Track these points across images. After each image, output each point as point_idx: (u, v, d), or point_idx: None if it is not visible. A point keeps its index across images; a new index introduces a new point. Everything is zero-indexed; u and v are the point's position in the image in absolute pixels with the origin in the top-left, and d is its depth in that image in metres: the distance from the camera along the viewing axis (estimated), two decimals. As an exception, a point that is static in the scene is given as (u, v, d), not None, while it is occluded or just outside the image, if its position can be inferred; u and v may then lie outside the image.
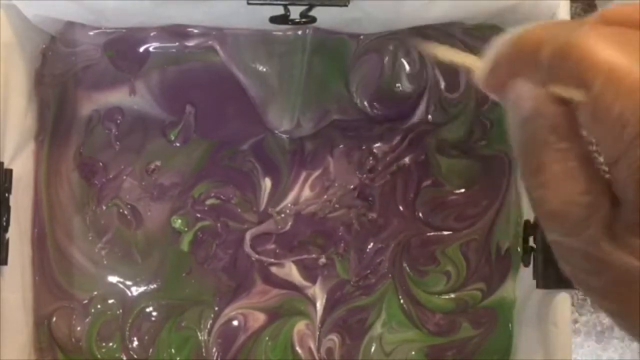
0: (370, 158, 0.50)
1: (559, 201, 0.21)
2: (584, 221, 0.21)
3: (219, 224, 0.50)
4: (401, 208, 0.50)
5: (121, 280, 0.49)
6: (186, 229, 0.50)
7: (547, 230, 0.22)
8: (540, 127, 0.21)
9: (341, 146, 0.51)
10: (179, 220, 0.50)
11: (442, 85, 0.50)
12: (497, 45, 0.23)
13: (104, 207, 0.49)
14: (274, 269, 0.50)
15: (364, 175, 0.50)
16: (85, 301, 0.49)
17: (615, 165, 0.20)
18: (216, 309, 0.49)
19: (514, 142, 0.22)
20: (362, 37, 0.50)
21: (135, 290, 0.49)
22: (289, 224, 0.50)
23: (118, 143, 0.50)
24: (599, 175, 0.21)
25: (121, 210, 0.49)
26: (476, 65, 0.27)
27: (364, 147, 0.50)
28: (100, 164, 0.50)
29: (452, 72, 0.50)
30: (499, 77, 0.23)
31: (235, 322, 0.49)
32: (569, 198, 0.21)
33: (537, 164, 0.21)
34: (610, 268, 0.21)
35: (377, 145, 0.51)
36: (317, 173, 0.50)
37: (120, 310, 0.49)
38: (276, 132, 0.50)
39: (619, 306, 0.21)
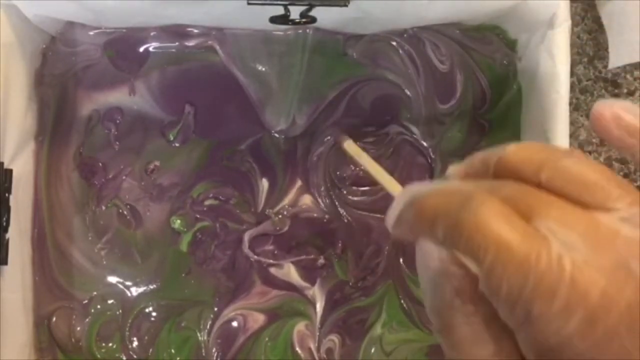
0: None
1: None
2: None
3: (217, 225, 0.50)
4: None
5: (121, 280, 0.49)
6: (185, 230, 0.50)
7: None
8: (446, 289, 0.21)
9: (333, 147, 0.51)
10: (178, 221, 0.50)
11: (436, 98, 0.50)
12: (400, 202, 0.23)
13: (104, 208, 0.49)
14: (273, 270, 0.50)
15: (356, 171, 0.50)
16: (85, 301, 0.49)
17: (515, 332, 0.20)
18: (215, 309, 0.49)
19: (424, 298, 0.23)
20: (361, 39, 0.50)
21: (135, 291, 0.49)
22: (287, 225, 0.50)
23: (117, 143, 0.50)
24: (508, 333, 0.20)
25: (121, 211, 0.49)
26: (391, 189, 0.27)
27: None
28: (100, 164, 0.50)
29: (446, 81, 0.50)
30: (405, 232, 0.23)
31: (234, 323, 0.49)
32: None
33: (445, 325, 0.21)
34: None
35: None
36: (312, 174, 0.50)
37: (120, 311, 0.49)
38: (273, 131, 0.50)
39: None
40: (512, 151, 0.23)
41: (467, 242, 0.20)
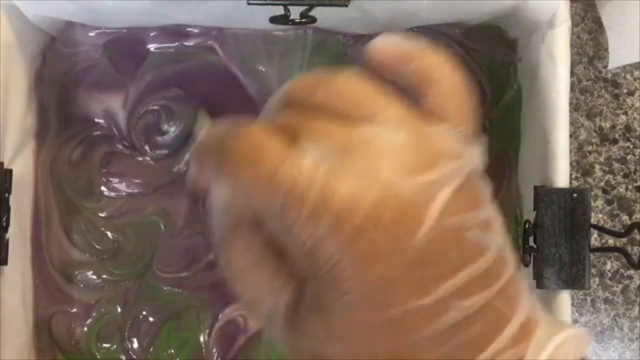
0: None
1: (251, 292, 0.23)
2: (274, 307, 0.23)
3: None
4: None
5: (119, 282, 0.49)
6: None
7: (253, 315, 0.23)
8: (231, 217, 0.23)
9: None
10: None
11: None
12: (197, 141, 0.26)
13: (102, 207, 0.49)
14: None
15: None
16: (85, 302, 0.49)
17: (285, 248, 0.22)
18: (216, 309, 0.49)
19: (213, 232, 0.24)
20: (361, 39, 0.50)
21: (135, 292, 0.49)
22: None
23: (117, 143, 0.50)
24: (286, 259, 0.22)
25: (118, 211, 0.49)
26: None
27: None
28: (99, 163, 0.49)
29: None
30: (198, 170, 0.25)
31: (235, 323, 0.49)
32: (258, 289, 0.23)
33: (229, 255, 0.23)
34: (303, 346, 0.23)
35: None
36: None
37: (120, 312, 0.49)
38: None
39: None
40: (293, 82, 0.24)
41: (231, 162, 0.22)
